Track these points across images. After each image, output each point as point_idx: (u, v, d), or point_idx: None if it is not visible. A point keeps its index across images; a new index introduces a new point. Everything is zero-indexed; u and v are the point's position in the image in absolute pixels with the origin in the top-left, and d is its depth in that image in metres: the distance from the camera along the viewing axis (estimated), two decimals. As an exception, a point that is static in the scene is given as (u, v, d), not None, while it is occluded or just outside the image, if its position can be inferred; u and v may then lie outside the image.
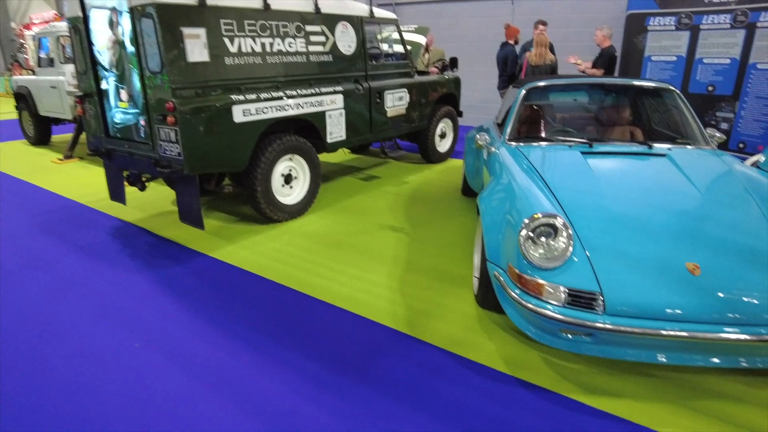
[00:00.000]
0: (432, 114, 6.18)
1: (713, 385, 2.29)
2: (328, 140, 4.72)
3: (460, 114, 6.77)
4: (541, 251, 2.25)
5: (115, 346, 2.64)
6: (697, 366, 2.15)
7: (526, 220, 2.31)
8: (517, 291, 2.31)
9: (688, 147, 3.19)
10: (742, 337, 2.00)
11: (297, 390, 2.29)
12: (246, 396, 2.27)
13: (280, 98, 4.10)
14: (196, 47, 3.54)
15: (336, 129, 4.76)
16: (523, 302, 2.24)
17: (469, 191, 4.94)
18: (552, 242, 2.25)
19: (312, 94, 4.39)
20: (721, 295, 2.07)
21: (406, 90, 5.61)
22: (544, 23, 6.47)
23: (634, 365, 2.41)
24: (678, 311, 2.06)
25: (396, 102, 5.49)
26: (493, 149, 3.46)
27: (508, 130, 3.50)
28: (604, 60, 6.27)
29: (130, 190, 4.51)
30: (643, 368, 2.40)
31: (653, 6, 7.06)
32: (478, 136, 3.52)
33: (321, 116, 4.56)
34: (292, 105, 4.21)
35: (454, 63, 6.29)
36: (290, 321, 2.86)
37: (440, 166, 6.45)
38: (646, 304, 2.08)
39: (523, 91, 3.63)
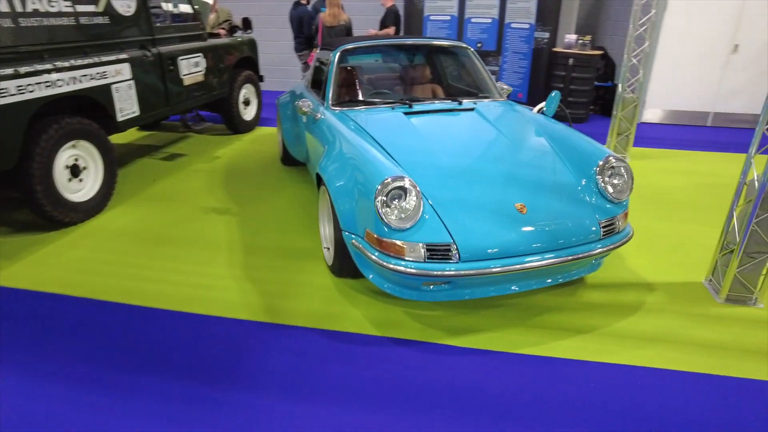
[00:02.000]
0: (232, 80, 5.72)
1: (541, 302, 2.74)
2: (119, 118, 3.99)
3: (261, 78, 6.42)
4: (397, 213, 2.31)
5: None
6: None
7: (379, 187, 2.32)
8: (378, 254, 2.35)
9: (488, 100, 3.60)
10: (567, 259, 2.40)
11: (169, 418, 1.97)
12: (97, 445, 1.86)
13: (48, 72, 3.25)
14: None
15: (127, 104, 4.04)
16: (386, 264, 2.30)
17: (290, 159, 4.78)
18: (404, 204, 2.32)
19: (90, 65, 3.60)
20: (546, 228, 2.44)
21: (201, 55, 5.04)
22: (334, -18, 6.45)
23: (482, 301, 2.72)
24: (520, 247, 2.36)
25: (192, 68, 4.90)
26: (319, 115, 3.37)
27: (330, 94, 3.44)
28: (390, 17, 6.59)
29: None
30: (491, 301, 2.72)
31: (427, -31, 7.63)
32: (300, 103, 3.38)
33: (106, 91, 3.79)
34: (65, 79, 3.39)
35: (247, 24, 5.85)
36: (128, 342, 2.42)
37: (249, 136, 6.08)
38: (493, 246, 2.33)
39: (337, 55, 3.59)
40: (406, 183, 2.35)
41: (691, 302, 2.76)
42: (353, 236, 2.53)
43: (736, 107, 6.78)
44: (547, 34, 7.20)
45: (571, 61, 6.69)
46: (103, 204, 3.81)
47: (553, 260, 2.37)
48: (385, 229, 2.31)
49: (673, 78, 6.83)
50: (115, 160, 3.90)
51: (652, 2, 4.78)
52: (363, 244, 2.45)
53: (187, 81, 4.84)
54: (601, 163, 2.69)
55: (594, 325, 2.55)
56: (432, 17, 7.82)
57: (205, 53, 5.10)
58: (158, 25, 4.44)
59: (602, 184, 2.66)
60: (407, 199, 2.33)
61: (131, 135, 6.04)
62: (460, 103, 3.44)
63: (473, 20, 7.68)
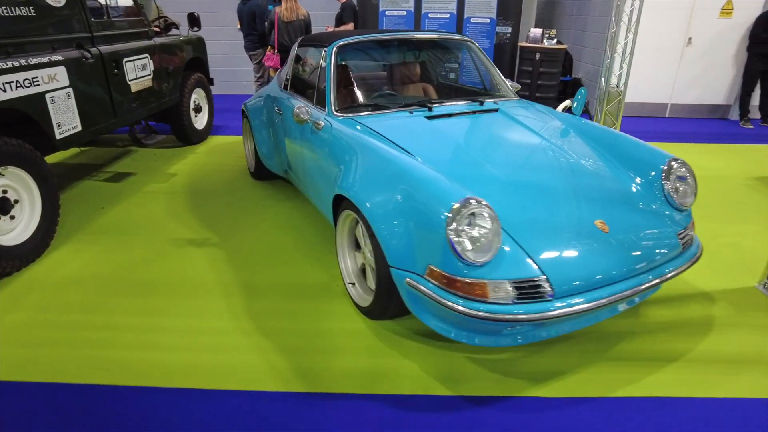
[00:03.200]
0: (182, 84, 4.95)
1: (609, 327, 2.40)
2: (58, 136, 3.19)
3: (211, 82, 5.67)
4: (474, 245, 1.85)
5: None
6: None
7: (449, 214, 1.85)
8: (450, 297, 1.88)
9: (504, 100, 3.22)
10: (663, 278, 2.07)
11: None
12: None
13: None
14: None
15: (66, 118, 3.24)
16: (465, 310, 1.83)
17: (263, 173, 4.17)
18: (478, 231, 1.87)
19: (15, 69, 2.80)
20: (632, 246, 2.09)
21: (148, 56, 4.27)
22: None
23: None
24: (613, 272, 1.99)
25: (139, 72, 4.12)
26: (321, 124, 2.82)
27: (332, 99, 2.90)
28: (348, 13, 6.10)
29: None
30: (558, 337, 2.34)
31: (382, -39, 7.18)
32: (297, 110, 2.81)
33: (38, 101, 2.99)
34: (-17, 88, 2.60)
35: (194, 21, 5.08)
36: (123, 443, 1.78)
37: (203, 147, 5.33)
38: (589, 275, 1.95)
39: (334, 51, 3.05)
40: (481, 206, 1.89)
41: (759, 311, 2.55)
42: (408, 274, 2.03)
43: (691, 98, 6.97)
44: (509, 29, 7.02)
45: (538, 55, 6.54)
46: (44, 245, 3.01)
47: (651, 282, 2.03)
48: (460, 264, 1.85)
49: (633, 71, 6.89)
50: (55, 189, 3.10)
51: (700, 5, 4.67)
52: (425, 285, 1.96)
53: (135, 87, 4.06)
54: (665, 167, 2.40)
55: (678, 351, 2.25)
56: (388, 12, 7.39)
57: (152, 54, 4.32)
58: (96, 20, 3.65)
59: (669, 190, 2.37)
60: (481, 226, 1.88)
61: (63, 152, 5.06)
62: (482, 104, 3.04)
63: (431, 15, 7.34)
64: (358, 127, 2.66)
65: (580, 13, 7.43)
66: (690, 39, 6.67)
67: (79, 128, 3.39)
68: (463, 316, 1.86)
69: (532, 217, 2.08)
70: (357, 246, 2.58)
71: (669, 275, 2.11)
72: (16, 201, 2.88)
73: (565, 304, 1.88)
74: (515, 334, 2.02)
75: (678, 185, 2.39)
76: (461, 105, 2.99)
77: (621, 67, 4.87)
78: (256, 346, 2.25)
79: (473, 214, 1.88)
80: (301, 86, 3.58)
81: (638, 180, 2.43)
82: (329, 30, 6.15)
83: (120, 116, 3.88)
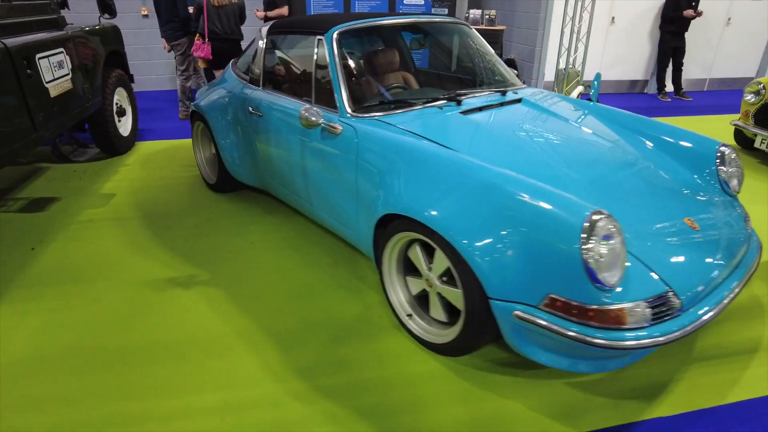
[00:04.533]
0: (103, 84, 4.07)
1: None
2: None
3: (131, 79, 4.77)
4: (608, 264, 1.59)
5: None
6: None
7: (582, 232, 1.56)
8: (578, 328, 1.61)
9: (516, 88, 2.97)
10: (749, 275, 1.97)
11: None
12: None
13: None
14: None
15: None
16: (609, 342, 1.57)
17: (229, 185, 3.56)
18: (607, 248, 1.61)
19: None
20: (722, 242, 1.97)
21: (63, 50, 3.39)
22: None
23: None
24: (716, 272, 1.85)
25: (56, 71, 3.26)
26: (339, 128, 2.35)
27: (345, 97, 2.44)
28: (282, -6, 5.49)
29: None
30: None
31: (305, -62, 6.55)
32: (306, 113, 2.31)
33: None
34: None
35: (106, 7, 4.11)
36: None
37: (133, 157, 4.46)
38: (702, 280, 1.78)
39: (334, 40, 2.56)
40: (610, 219, 1.62)
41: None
42: (516, 306, 1.71)
43: (615, 75, 7.34)
44: (445, 11, 6.83)
45: (479, 38, 6.42)
46: None
47: (748, 275, 1.93)
48: (593, 289, 1.58)
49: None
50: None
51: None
52: (543, 317, 1.66)
53: (54, 91, 3.19)
54: (718, 153, 2.33)
55: (754, 339, 2.21)
56: (315, -6, 6.82)
57: (66, 48, 3.44)
58: (-4, 3, 2.77)
59: (723, 177, 2.30)
60: (608, 242, 1.61)
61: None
62: (504, 94, 2.76)
63: (361, -4, 6.91)
64: (383, 127, 2.25)
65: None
66: (613, 18, 6.97)
67: (-7, 149, 2.56)
68: (593, 347, 1.60)
69: (628, 223, 1.87)
70: (406, 270, 2.21)
71: (754, 266, 2.03)
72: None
73: (695, 315, 1.70)
74: (631, 356, 1.81)
75: (730, 170, 2.33)
76: (485, 96, 2.69)
77: (576, 47, 4.89)
78: (325, 416, 1.80)
79: (604, 229, 1.60)
80: (283, 82, 3.04)
81: (693, 169, 2.34)
82: (259, 15, 5.49)
83: (40, 130, 3.03)
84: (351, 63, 2.62)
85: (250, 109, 3.02)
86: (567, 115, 2.61)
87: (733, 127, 4.74)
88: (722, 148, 2.34)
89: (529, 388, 1.93)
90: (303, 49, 2.81)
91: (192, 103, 3.61)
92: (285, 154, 2.78)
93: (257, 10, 5.52)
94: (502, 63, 3.14)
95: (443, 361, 2.07)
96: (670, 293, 1.68)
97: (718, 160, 2.31)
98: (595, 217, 1.57)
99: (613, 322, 1.59)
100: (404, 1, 6.96)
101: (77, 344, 2.14)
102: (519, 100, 2.72)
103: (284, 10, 5.50)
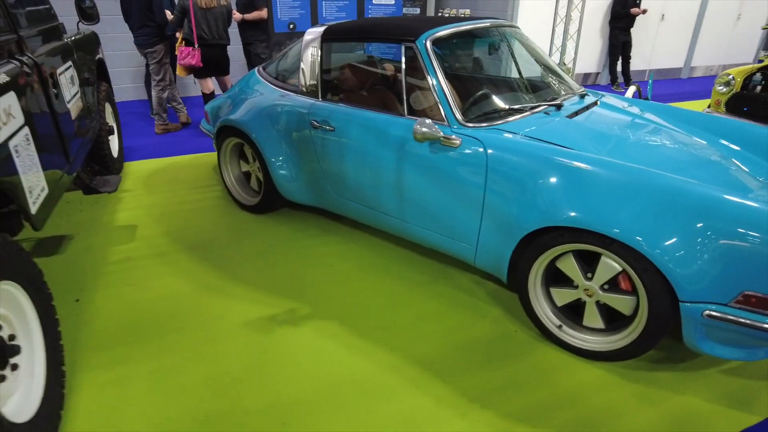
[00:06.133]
0: (96, 99, 3.55)
1: None
2: (33, 208, 1.95)
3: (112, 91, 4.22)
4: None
5: None
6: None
7: (778, 229, 1.63)
8: None
9: (581, 91, 2.99)
10: None
11: None
12: None
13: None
14: None
15: (35, 177, 1.99)
16: None
17: (273, 204, 3.29)
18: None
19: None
20: None
21: (72, 63, 2.90)
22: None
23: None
24: None
25: (71, 89, 2.78)
26: (458, 141, 2.24)
27: (452, 106, 2.33)
28: (259, -4, 5.17)
29: None
30: None
31: (268, -66, 6.19)
32: (421, 128, 2.19)
33: (3, 160, 1.75)
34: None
35: (87, 13, 3.53)
36: None
37: (130, 181, 3.93)
38: None
39: (428, 46, 2.44)
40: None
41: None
42: (707, 306, 1.75)
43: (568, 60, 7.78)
44: (417, 10, 6.82)
45: (453, 37, 6.48)
46: (55, 415, 1.80)
47: None
48: (795, 284, 1.66)
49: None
50: (51, 300, 1.90)
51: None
52: (735, 314, 1.72)
53: (74, 111, 2.72)
54: (788, 144, 2.54)
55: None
56: (281, -7, 6.49)
57: (73, 60, 2.95)
58: (18, 10, 2.29)
59: (794, 166, 2.52)
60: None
61: None
62: (583, 97, 2.81)
63: (327, -3, 6.69)
64: (517, 138, 2.19)
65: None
66: (570, 16, 7.38)
67: (47, 189, 2.13)
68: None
69: None
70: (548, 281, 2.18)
71: None
72: (13, 337, 1.68)
73: None
74: None
75: None
76: (573, 100, 2.72)
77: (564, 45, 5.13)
78: (531, 443, 1.72)
79: None
80: (354, 93, 2.85)
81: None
82: (236, 17, 5.10)
83: (71, 159, 2.58)
84: (450, 70, 2.51)
85: (315, 122, 2.79)
86: (648, 116, 2.71)
87: (706, 115, 5.23)
88: (789, 137, 2.56)
89: (695, 382, 1.99)
90: (376, 56, 2.66)
91: (222, 119, 3.27)
92: (370, 169, 2.61)
93: (234, 12, 5.13)
94: (557, 66, 3.18)
95: (602, 366, 2.07)
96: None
97: (792, 150, 2.53)
98: (772, 220, 1.65)
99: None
100: (373, 1, 6.86)
101: (210, 410, 1.86)
102: (596, 103, 2.78)
103: (263, 12, 5.18)
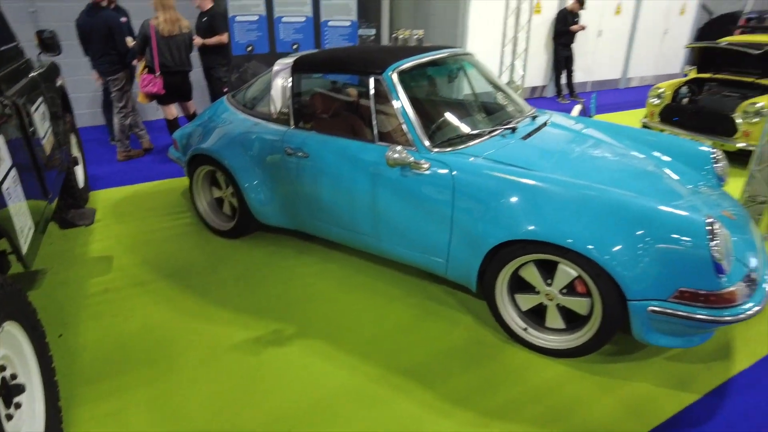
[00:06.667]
0: (63, 129, 3.56)
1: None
2: (24, 247, 2.00)
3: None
4: (725, 256, 1.98)
5: None
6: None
7: (708, 235, 1.92)
8: (704, 312, 1.97)
9: (532, 112, 3.26)
10: None
11: None
12: None
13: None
14: None
15: (24, 216, 2.04)
16: (722, 318, 1.96)
17: (247, 228, 3.40)
18: (724, 242, 2.00)
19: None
20: (745, 224, 2.48)
21: (42, 98, 2.93)
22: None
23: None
24: (753, 248, 2.31)
25: (44, 124, 2.81)
26: (426, 165, 2.45)
27: (419, 133, 2.54)
28: (220, 21, 5.28)
29: None
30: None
31: (221, -40, 6.29)
32: (393, 154, 2.38)
33: None
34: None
35: (48, 44, 3.53)
36: None
37: (98, 211, 3.92)
38: (752, 256, 2.23)
39: (394, 78, 2.65)
40: (715, 219, 2.00)
41: None
42: (650, 303, 2.02)
43: (518, 82, 8.25)
44: (373, 31, 7.07)
45: (408, 56, 6.76)
46: None
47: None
48: (722, 278, 1.95)
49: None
50: (45, 338, 1.95)
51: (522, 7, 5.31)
52: (674, 308, 1.99)
53: (47, 147, 2.75)
54: (713, 155, 2.89)
55: None
56: (238, 18, 6.60)
57: (43, 94, 2.97)
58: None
59: (718, 173, 2.87)
60: (718, 237, 2.00)
61: None
62: (534, 119, 3.08)
63: (284, 20, 6.86)
64: (479, 161, 2.42)
65: (420, 12, 7.95)
66: (516, 36, 7.83)
67: (33, 227, 2.18)
68: (704, 324, 1.98)
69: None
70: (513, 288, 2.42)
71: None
72: (15, 376, 1.74)
73: (763, 288, 2.15)
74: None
75: (722, 167, 2.90)
76: (527, 122, 2.98)
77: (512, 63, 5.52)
78: (508, 435, 1.93)
79: (714, 227, 1.98)
80: (325, 121, 3.02)
81: (698, 170, 2.86)
82: (197, 42, 5.16)
83: (49, 194, 2.61)
84: (415, 99, 2.71)
85: (289, 149, 2.94)
86: (593, 133, 3.01)
87: (642, 125, 5.70)
88: (714, 151, 2.92)
89: (644, 369, 2.26)
90: (346, 86, 2.84)
91: (194, 148, 3.36)
92: (345, 192, 2.78)
93: (195, 38, 5.19)
94: (509, 89, 3.46)
95: (565, 363, 2.31)
96: (751, 272, 2.13)
97: (713, 161, 2.88)
98: (710, 223, 1.94)
99: (728, 301, 1.98)
100: (329, 23, 7.06)
101: (211, 430, 1.96)
102: (546, 123, 3.06)
103: (224, 37, 5.28)
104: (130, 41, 4.69)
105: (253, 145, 3.13)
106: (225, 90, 5.31)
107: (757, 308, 2.02)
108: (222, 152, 3.21)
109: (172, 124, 4.95)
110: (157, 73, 4.55)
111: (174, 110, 4.98)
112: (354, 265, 3.14)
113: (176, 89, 4.78)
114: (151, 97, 4.75)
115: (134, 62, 4.85)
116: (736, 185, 4.14)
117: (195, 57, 5.22)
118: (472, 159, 2.43)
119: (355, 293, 2.85)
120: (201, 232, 3.59)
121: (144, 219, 3.79)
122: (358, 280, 2.98)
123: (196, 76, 5.50)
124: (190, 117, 5.11)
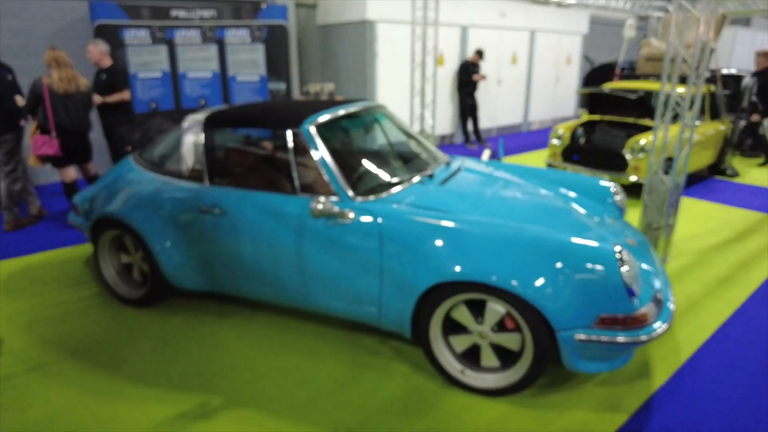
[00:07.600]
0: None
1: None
2: None
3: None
4: (635, 280, 2.13)
5: None
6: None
7: (618, 262, 2.06)
8: (624, 335, 2.10)
9: (445, 160, 3.38)
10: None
11: None
12: None
13: None
14: None
15: None
16: (639, 339, 2.10)
17: (160, 294, 3.15)
18: (632, 267, 2.15)
19: None
20: (646, 249, 2.73)
21: None
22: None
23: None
24: (655, 271, 2.56)
25: None
26: (350, 215, 2.43)
27: (342, 183, 2.54)
28: (121, 78, 5.05)
29: None
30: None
31: (123, 17, 6.12)
32: (316, 206, 2.35)
33: None
34: None
35: None
36: None
37: (12, 276, 3.46)
38: (656, 279, 2.45)
39: (313, 131, 2.65)
40: (622, 247, 2.17)
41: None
42: (575, 331, 2.11)
43: (428, 130, 8.64)
44: (284, 85, 7.12)
45: (323, 108, 6.86)
46: None
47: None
48: (635, 300, 2.10)
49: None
50: None
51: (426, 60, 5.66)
52: (597, 334, 2.10)
53: None
54: (612, 189, 3.16)
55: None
56: (140, 74, 6.40)
57: None
58: None
59: (619, 204, 3.15)
60: (626, 263, 2.16)
61: None
62: (448, 165, 3.20)
63: (190, 75, 6.75)
64: (403, 207, 2.45)
65: (328, 67, 8.18)
66: (423, 87, 8.26)
67: None
68: (624, 346, 2.11)
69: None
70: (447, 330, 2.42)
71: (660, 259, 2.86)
72: None
73: (668, 308, 2.35)
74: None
75: (621, 199, 3.18)
76: (442, 168, 3.09)
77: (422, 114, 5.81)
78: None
79: (623, 255, 2.14)
80: (242, 176, 2.93)
81: (601, 202, 3.11)
82: (97, 100, 4.86)
83: None
84: (334, 150, 2.71)
85: (204, 207, 2.80)
86: (504, 175, 3.18)
87: (547, 165, 6.15)
88: (612, 185, 3.20)
89: (576, 397, 2.34)
90: (261, 140, 2.79)
91: (98, 212, 3.10)
92: (268, 247, 2.67)
93: (95, 96, 4.90)
94: (422, 137, 3.59)
95: (504, 401, 2.32)
96: (656, 293, 2.32)
97: (614, 194, 3.16)
98: (618, 251, 2.10)
99: (641, 322, 2.13)
100: (237, 78, 7.02)
101: None
102: (460, 169, 3.20)
103: (126, 94, 5.03)
104: (19, 100, 4.33)
105: (165, 205, 2.95)
106: (128, 149, 5.01)
107: (665, 326, 2.19)
108: (131, 215, 2.99)
109: (71, 188, 4.56)
110: (53, 134, 4.21)
111: (72, 173, 4.60)
112: (280, 324, 3.00)
113: (75, 150, 4.45)
114: (45, 159, 4.37)
115: (22, 122, 4.47)
116: (634, 214, 4.57)
117: (94, 116, 4.92)
118: (395, 206, 2.46)
119: (284, 354, 2.70)
120: (109, 302, 3.26)
121: (41, 294, 3.38)
122: (285, 340, 2.83)
123: (96, 135, 5.17)
124: (91, 179, 4.75)
